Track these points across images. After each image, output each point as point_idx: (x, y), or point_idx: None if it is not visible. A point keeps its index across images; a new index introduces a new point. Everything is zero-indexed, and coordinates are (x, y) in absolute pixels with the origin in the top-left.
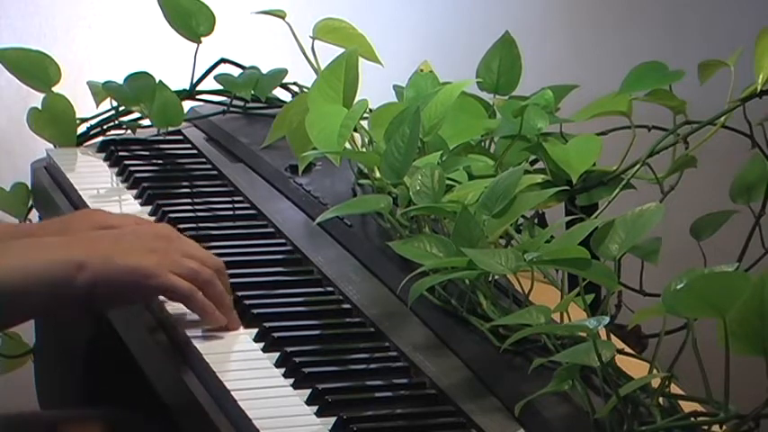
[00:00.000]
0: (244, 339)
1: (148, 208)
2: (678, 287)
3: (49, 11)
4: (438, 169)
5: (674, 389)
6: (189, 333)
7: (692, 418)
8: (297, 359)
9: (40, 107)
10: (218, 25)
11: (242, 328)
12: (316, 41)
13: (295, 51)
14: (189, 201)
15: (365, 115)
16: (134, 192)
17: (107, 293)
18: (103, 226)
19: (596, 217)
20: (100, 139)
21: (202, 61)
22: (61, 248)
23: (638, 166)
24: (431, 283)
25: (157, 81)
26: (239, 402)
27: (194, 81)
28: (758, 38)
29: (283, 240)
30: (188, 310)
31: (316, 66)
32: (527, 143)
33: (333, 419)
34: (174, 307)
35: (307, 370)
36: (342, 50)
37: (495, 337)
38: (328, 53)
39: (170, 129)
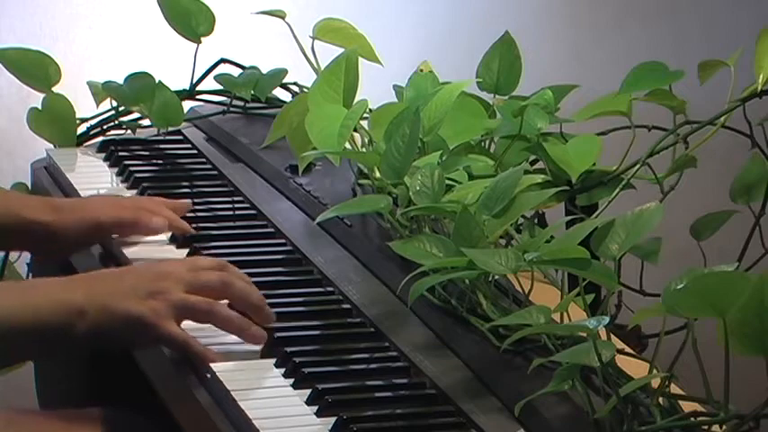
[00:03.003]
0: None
1: None
2: (678, 287)
3: (49, 11)
4: (438, 169)
5: (674, 389)
6: (189, 333)
7: (692, 418)
8: (297, 359)
9: (40, 107)
10: (218, 25)
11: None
12: (316, 41)
13: (295, 51)
14: (189, 201)
15: (365, 115)
16: (134, 192)
17: (106, 340)
18: (116, 205)
19: (596, 217)
20: (100, 139)
21: (202, 61)
22: (62, 292)
23: (638, 166)
24: (431, 283)
25: (157, 81)
26: (239, 402)
27: (194, 81)
28: (758, 38)
29: (283, 240)
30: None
31: (316, 66)
32: (527, 143)
33: (333, 419)
34: None
35: (307, 370)
36: (342, 50)
37: (495, 337)
38: (328, 53)
39: (170, 129)
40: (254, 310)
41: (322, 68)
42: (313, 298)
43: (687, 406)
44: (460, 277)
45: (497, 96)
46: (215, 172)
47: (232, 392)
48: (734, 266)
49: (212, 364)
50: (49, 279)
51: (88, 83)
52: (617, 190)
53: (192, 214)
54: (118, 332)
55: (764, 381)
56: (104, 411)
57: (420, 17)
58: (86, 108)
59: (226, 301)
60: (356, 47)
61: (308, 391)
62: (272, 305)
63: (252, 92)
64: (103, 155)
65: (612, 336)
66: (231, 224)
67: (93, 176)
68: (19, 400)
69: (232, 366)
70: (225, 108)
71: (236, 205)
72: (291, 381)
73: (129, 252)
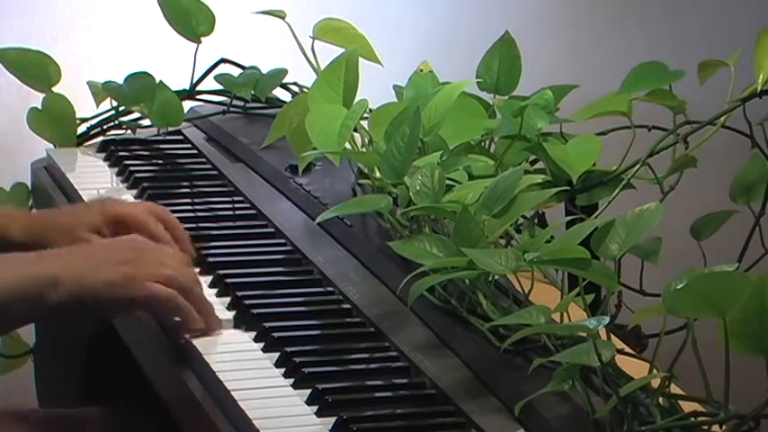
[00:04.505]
0: (244, 339)
1: None
2: (678, 287)
3: (49, 11)
4: (438, 169)
5: (674, 389)
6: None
7: (692, 418)
8: (297, 359)
9: (40, 107)
10: (218, 25)
11: (233, 329)
12: (316, 41)
13: (295, 51)
14: (189, 201)
15: (365, 115)
16: (134, 192)
17: (83, 308)
18: (109, 215)
19: (596, 217)
20: (100, 139)
21: (202, 61)
22: (34, 265)
23: (638, 166)
24: (431, 283)
25: (157, 81)
26: (239, 402)
27: (194, 81)
28: (758, 38)
29: (283, 240)
30: None
31: (316, 66)
32: (527, 143)
33: (333, 419)
34: None
35: (307, 370)
36: (342, 50)
37: (495, 337)
38: (328, 53)
39: (170, 129)
40: (206, 315)
41: (322, 68)
42: (313, 298)
43: (687, 406)
44: (460, 277)
45: (497, 96)
46: (215, 172)
47: (232, 392)
48: (734, 266)
49: (212, 364)
50: (18, 254)
51: (88, 83)
52: (617, 190)
53: (192, 214)
54: (94, 298)
55: (764, 381)
56: (103, 410)
57: (420, 17)
58: (86, 108)
59: None
60: (356, 47)
61: (308, 391)
62: (272, 305)
63: (252, 92)
64: (103, 155)
65: (612, 336)
66: (231, 224)
67: (93, 176)
68: (19, 399)
69: (232, 366)
70: (225, 108)
71: (236, 205)
72: (291, 381)
73: None
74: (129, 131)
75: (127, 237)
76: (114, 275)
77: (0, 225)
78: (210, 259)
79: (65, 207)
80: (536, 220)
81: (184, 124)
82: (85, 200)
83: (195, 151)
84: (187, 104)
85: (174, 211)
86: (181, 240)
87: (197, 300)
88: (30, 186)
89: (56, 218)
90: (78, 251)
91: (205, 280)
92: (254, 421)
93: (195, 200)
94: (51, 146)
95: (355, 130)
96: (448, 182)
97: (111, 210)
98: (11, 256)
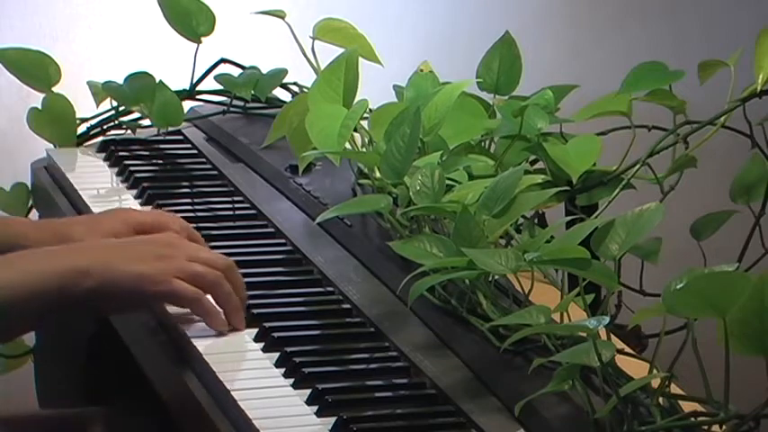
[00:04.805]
0: (244, 339)
1: (148, 208)
2: (678, 287)
3: (49, 11)
4: (438, 169)
5: (674, 389)
6: (189, 333)
7: (692, 418)
8: (297, 359)
9: (40, 107)
10: (218, 25)
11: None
12: (316, 41)
13: (295, 51)
14: (189, 201)
15: (365, 115)
16: (134, 192)
17: (111, 300)
18: (132, 224)
19: (596, 217)
20: (100, 139)
21: (202, 61)
22: (65, 257)
23: (638, 166)
24: (431, 283)
25: (157, 81)
26: (239, 402)
27: (194, 81)
28: (758, 38)
29: (283, 240)
30: (188, 310)
31: (316, 66)
32: (527, 143)
33: (333, 419)
34: (174, 307)
35: (307, 370)
36: (342, 50)
37: (495, 337)
38: (328, 53)
39: (170, 129)
40: (231, 314)
41: (322, 68)
42: (313, 298)
43: (687, 406)
44: (460, 277)
45: (497, 96)
46: (215, 172)
47: (232, 392)
48: (734, 266)
49: (212, 364)
50: (48, 248)
51: (88, 83)
52: (617, 190)
53: (192, 214)
54: (123, 291)
55: (764, 381)
56: (103, 411)
57: (420, 17)
58: (86, 108)
59: None
60: (356, 47)
61: (308, 391)
62: (272, 305)
63: (252, 92)
64: (103, 155)
65: (612, 336)
66: (231, 224)
67: (93, 176)
68: (19, 399)
69: (232, 366)
70: (225, 108)
71: (236, 205)
72: (291, 381)
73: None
74: (129, 131)
75: (163, 234)
76: (146, 269)
77: (11, 234)
78: None
79: (73, 218)
80: (536, 220)
81: (184, 124)
82: (86, 200)
83: (195, 151)
84: (187, 104)
85: (174, 211)
86: None
87: (225, 299)
88: (30, 186)
89: (62, 229)
90: (111, 244)
91: None
92: (254, 421)
93: (195, 200)
94: (51, 146)
95: (355, 130)
96: (448, 182)
97: (134, 218)
98: (44, 249)
